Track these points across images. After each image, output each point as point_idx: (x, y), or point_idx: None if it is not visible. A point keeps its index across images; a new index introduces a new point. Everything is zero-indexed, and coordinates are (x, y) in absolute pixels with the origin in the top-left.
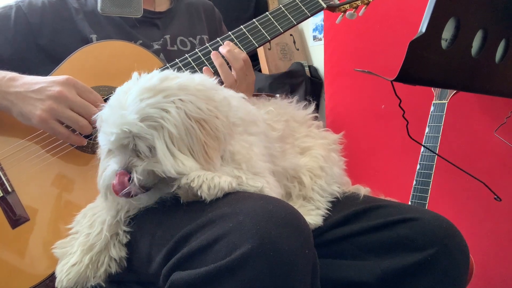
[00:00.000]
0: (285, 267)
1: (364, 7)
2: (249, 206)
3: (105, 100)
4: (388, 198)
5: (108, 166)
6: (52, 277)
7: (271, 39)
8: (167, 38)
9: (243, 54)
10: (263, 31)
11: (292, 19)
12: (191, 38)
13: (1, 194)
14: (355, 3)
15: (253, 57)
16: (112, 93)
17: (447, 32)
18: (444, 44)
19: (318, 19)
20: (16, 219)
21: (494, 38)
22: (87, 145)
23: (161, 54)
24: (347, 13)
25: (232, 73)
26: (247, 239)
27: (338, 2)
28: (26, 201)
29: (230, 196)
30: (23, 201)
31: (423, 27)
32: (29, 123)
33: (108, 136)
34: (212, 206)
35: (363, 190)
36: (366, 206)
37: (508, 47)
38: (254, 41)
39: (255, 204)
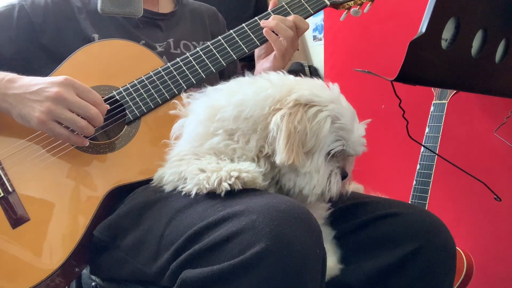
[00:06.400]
0: (298, 266)
1: (369, 4)
2: (262, 205)
3: (105, 100)
4: (377, 195)
5: (334, 173)
6: (52, 277)
7: None
8: (170, 42)
9: (288, 23)
10: None
11: None
12: (194, 43)
13: (2, 194)
14: (359, 0)
15: (253, 57)
16: (113, 92)
17: (447, 32)
18: (444, 44)
19: (318, 19)
20: (17, 219)
21: (494, 38)
22: (88, 145)
23: (164, 56)
24: (352, 10)
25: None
26: (261, 237)
27: None
28: (27, 201)
29: (242, 195)
30: (23, 201)
31: (423, 27)
32: (28, 125)
33: (361, 147)
34: (224, 204)
35: (352, 187)
36: (352, 202)
37: (508, 47)
38: (255, 39)
39: (267, 203)
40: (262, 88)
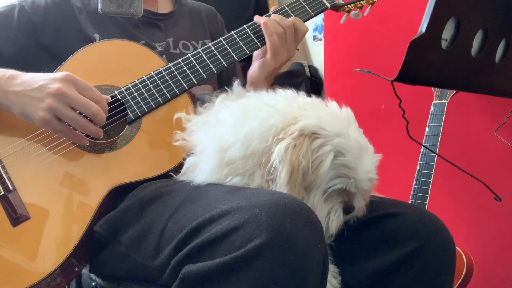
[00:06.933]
0: (299, 259)
1: (369, 7)
2: (264, 199)
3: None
4: (377, 195)
5: (334, 209)
6: (52, 276)
7: None
8: (169, 41)
9: (287, 22)
10: None
11: None
12: (193, 42)
13: (2, 192)
14: (359, 3)
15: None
16: (114, 92)
17: (447, 32)
18: (444, 44)
19: (318, 19)
20: (17, 218)
21: (494, 38)
22: (88, 144)
23: (164, 56)
24: (352, 13)
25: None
26: (262, 230)
27: (342, 2)
28: (27, 200)
29: (244, 191)
30: (24, 199)
31: (423, 27)
32: (30, 122)
33: (367, 183)
34: (226, 199)
35: None
36: None
37: (508, 47)
38: (256, 41)
39: (270, 198)
40: (267, 118)
